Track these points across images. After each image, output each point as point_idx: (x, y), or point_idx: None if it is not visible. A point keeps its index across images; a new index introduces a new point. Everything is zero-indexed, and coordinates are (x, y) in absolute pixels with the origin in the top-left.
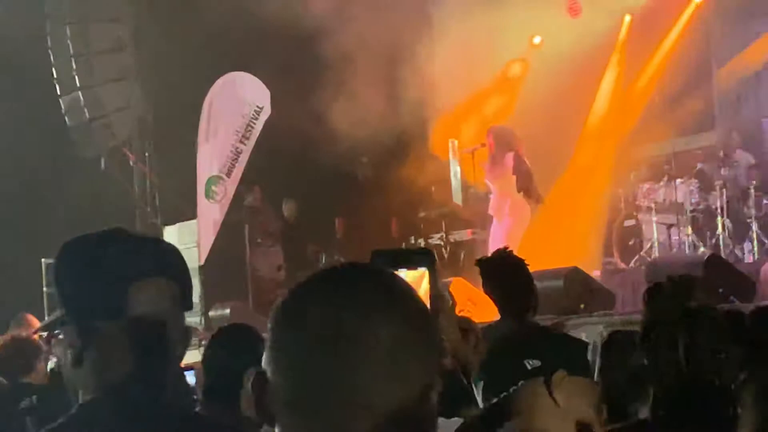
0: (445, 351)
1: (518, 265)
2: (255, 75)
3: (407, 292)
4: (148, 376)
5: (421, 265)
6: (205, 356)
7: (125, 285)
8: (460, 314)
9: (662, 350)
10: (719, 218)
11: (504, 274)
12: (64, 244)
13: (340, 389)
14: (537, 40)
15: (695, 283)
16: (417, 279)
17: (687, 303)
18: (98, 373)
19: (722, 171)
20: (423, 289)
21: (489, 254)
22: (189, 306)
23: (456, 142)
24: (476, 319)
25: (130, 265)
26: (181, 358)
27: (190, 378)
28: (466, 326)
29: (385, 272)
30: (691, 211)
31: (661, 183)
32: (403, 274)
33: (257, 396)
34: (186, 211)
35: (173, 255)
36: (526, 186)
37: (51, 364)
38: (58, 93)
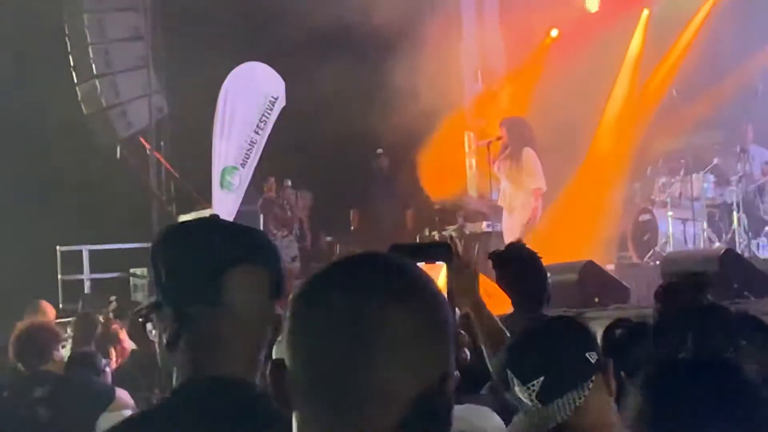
0: (463, 342)
1: (531, 258)
2: (271, 65)
3: (427, 282)
4: (241, 360)
5: (439, 259)
6: None
7: (220, 271)
8: None
9: (672, 343)
10: (735, 213)
11: (517, 267)
12: (163, 229)
13: (361, 376)
14: (554, 33)
15: (708, 281)
16: (434, 272)
17: (699, 301)
18: (193, 356)
19: (738, 166)
20: (441, 282)
21: (503, 247)
22: (281, 295)
23: (472, 134)
24: (493, 312)
25: (224, 253)
26: (271, 345)
27: None
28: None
29: (406, 261)
30: (707, 206)
31: (677, 177)
32: (422, 267)
33: (275, 384)
34: (201, 200)
35: (266, 244)
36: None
37: (67, 352)
38: (75, 81)
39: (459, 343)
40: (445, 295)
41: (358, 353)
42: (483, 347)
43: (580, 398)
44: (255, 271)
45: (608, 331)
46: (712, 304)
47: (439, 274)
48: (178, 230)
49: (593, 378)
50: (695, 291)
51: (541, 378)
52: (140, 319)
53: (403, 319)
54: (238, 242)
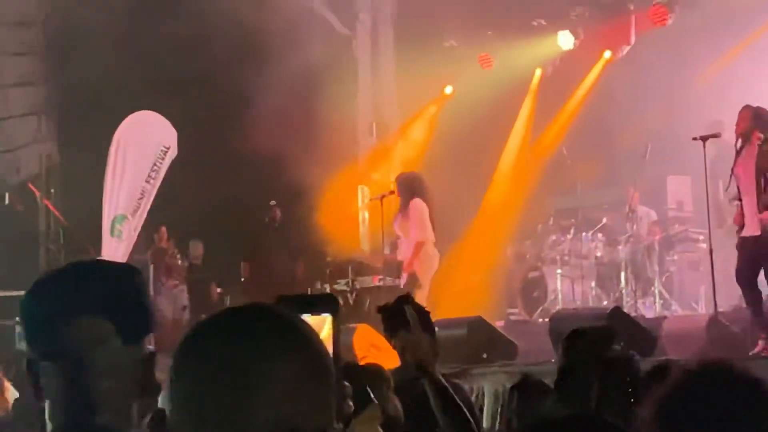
0: (347, 396)
1: (419, 312)
2: (163, 114)
3: (309, 335)
4: (107, 409)
5: (325, 311)
6: None
7: (58, 323)
8: (363, 361)
9: (575, 398)
10: (623, 272)
11: (403, 321)
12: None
13: (236, 425)
14: (449, 89)
15: (614, 334)
16: (319, 324)
17: (604, 353)
18: (61, 408)
19: (627, 226)
20: (325, 334)
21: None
22: (136, 340)
23: (366, 188)
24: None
25: (63, 304)
26: (154, 394)
27: None
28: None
29: (288, 314)
30: (596, 265)
31: (568, 236)
32: (308, 318)
33: None
34: (90, 249)
35: (110, 290)
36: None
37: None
38: None
39: (343, 395)
40: (330, 347)
41: (236, 404)
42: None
43: None
44: (95, 321)
45: (516, 388)
46: (618, 356)
47: (324, 325)
48: (37, 282)
49: None
50: (602, 343)
51: None
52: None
53: (282, 371)
54: (80, 291)
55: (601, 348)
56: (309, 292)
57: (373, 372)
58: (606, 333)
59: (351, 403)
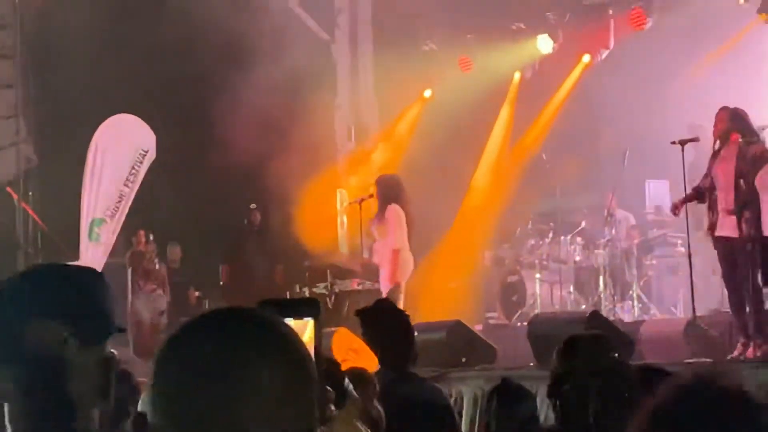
0: (330, 400)
1: (396, 315)
2: (141, 118)
3: (291, 338)
4: (37, 417)
5: (307, 315)
6: None
7: (12, 330)
8: (343, 364)
9: (572, 405)
10: (601, 276)
11: (382, 324)
12: None
13: (218, 430)
14: (428, 93)
15: (610, 342)
16: (301, 328)
17: (602, 361)
18: (9, 413)
19: (606, 230)
20: (307, 338)
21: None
22: (92, 341)
23: (344, 191)
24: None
25: (16, 309)
26: (127, 396)
27: None
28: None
29: (272, 317)
30: (574, 269)
31: (546, 240)
32: (290, 322)
33: None
34: (68, 252)
35: (59, 292)
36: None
37: None
38: None
39: (326, 399)
40: (312, 351)
41: (218, 407)
42: None
43: None
44: (52, 325)
45: (496, 391)
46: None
47: (306, 329)
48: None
49: None
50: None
51: None
52: None
53: (267, 375)
54: (37, 295)
55: (598, 356)
56: (288, 296)
57: (357, 374)
58: (602, 340)
59: (333, 407)
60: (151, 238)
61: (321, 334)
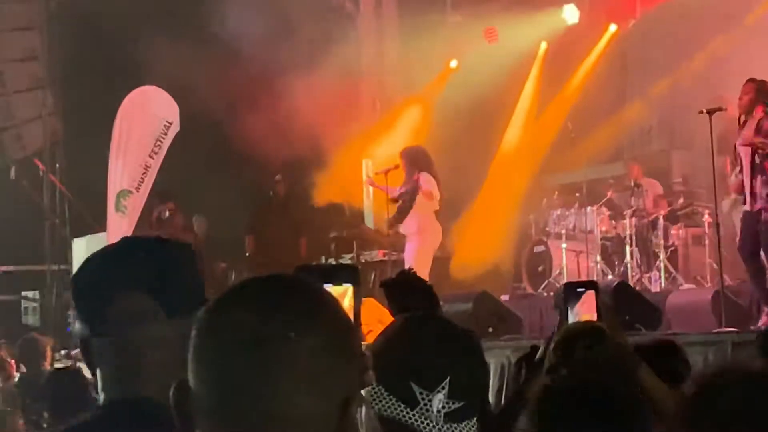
0: (369, 366)
1: (421, 286)
2: (166, 89)
3: (332, 304)
4: (154, 383)
5: (346, 282)
6: None
7: (99, 302)
8: (368, 335)
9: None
10: (628, 247)
11: (407, 295)
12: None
13: (261, 399)
14: (453, 63)
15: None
16: (341, 294)
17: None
18: (101, 382)
19: (632, 200)
20: (346, 304)
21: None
22: (179, 313)
23: (370, 162)
24: None
25: (104, 282)
26: (172, 364)
27: None
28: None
29: (311, 283)
30: (601, 239)
31: (572, 210)
32: (329, 288)
33: (177, 404)
34: (95, 224)
35: (146, 264)
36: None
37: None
38: None
39: (365, 365)
40: (351, 317)
41: (260, 374)
42: None
43: None
44: (141, 297)
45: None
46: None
47: (345, 296)
48: (86, 260)
49: None
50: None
51: None
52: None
53: (306, 342)
54: (118, 268)
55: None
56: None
57: None
58: (600, 335)
59: (371, 373)
60: (177, 210)
61: (360, 301)
